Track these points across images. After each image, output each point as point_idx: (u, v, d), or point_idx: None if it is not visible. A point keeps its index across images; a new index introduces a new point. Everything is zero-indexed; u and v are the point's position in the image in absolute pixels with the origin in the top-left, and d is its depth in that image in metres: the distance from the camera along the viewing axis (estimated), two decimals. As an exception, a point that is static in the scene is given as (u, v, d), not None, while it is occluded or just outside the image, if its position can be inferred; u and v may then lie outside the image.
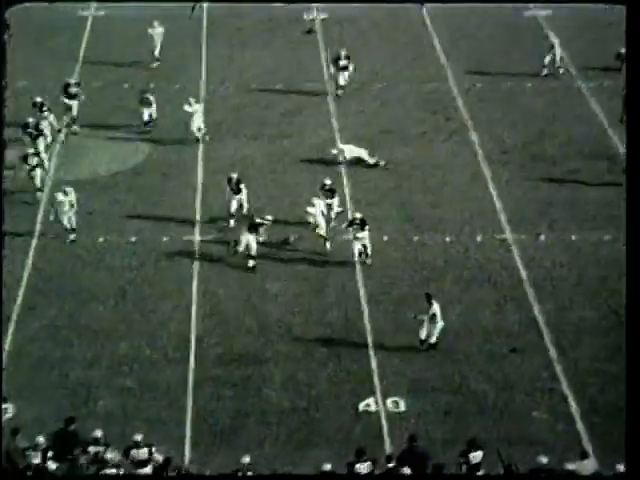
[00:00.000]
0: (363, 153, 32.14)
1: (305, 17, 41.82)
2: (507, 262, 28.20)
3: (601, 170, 31.75)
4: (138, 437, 20.52)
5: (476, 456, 20.55)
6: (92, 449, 20.49)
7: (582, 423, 22.93)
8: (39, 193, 30.37)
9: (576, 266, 28.02)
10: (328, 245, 28.26)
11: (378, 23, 41.36)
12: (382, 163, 32.23)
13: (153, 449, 20.47)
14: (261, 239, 27.87)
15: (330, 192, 29.18)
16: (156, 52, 38.01)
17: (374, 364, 24.69)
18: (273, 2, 41.36)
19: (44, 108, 32.87)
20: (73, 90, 34.15)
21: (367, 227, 27.54)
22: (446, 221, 29.81)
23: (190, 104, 33.17)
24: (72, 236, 28.68)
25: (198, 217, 29.97)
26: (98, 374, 24.35)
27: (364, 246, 27.68)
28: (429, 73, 37.88)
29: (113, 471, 19.97)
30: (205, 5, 41.82)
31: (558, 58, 37.35)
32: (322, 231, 28.27)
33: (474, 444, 20.67)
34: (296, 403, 23.58)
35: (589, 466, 20.32)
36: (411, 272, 27.81)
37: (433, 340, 24.81)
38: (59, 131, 33.56)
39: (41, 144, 31.54)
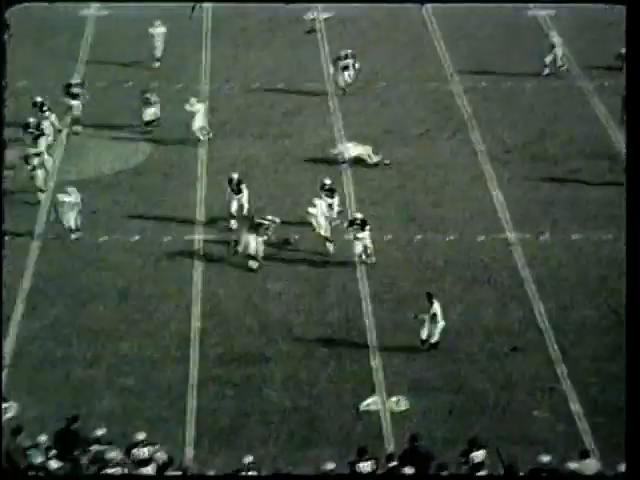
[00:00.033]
0: (366, 151, 32.11)
1: (307, 17, 41.80)
2: (508, 261, 28.20)
3: (602, 169, 31.75)
4: (140, 436, 20.50)
5: (477, 455, 20.51)
6: (94, 448, 20.49)
7: (583, 422, 22.92)
8: (40, 193, 30.33)
9: (577, 265, 28.03)
10: (331, 247, 28.17)
11: (379, 23, 41.33)
12: (386, 162, 32.22)
13: (155, 448, 20.46)
14: (265, 237, 27.80)
15: (330, 192, 29.12)
16: (158, 52, 37.97)
17: (375, 363, 24.69)
18: (273, 2, 41.30)
19: (44, 108, 32.86)
20: (75, 90, 34.14)
21: (367, 227, 27.50)
22: (448, 220, 29.82)
23: (191, 104, 33.15)
24: (76, 235, 28.66)
25: (200, 217, 29.97)
26: (99, 373, 24.36)
27: (365, 246, 27.65)
28: (430, 73, 37.87)
29: (115, 470, 19.96)
30: (209, 5, 41.74)
31: (559, 57, 37.33)
32: (323, 232, 28.20)
33: (475, 443, 20.63)
34: (297, 402, 23.58)
35: (591, 465, 20.27)
36: (413, 271, 27.82)
37: (434, 340, 24.81)
38: (60, 131, 33.53)
39: (42, 144, 31.54)
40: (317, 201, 28.48)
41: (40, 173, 30.34)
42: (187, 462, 21.48)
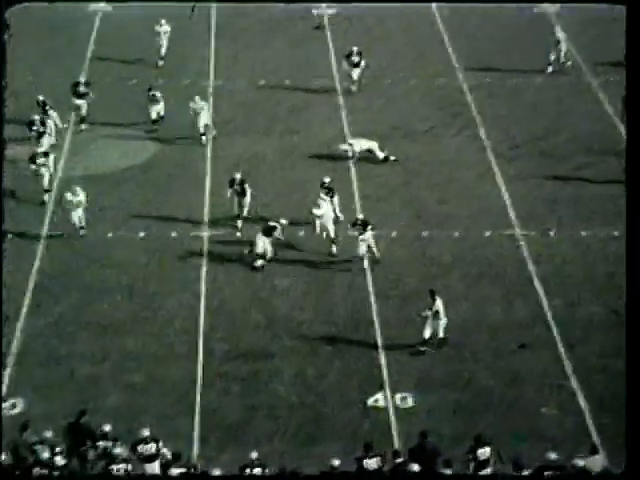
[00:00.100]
0: (374, 146, 32.08)
1: (314, 12, 41.75)
2: (515, 258, 28.16)
3: (610, 166, 31.66)
4: (145, 432, 20.54)
5: (484, 452, 20.50)
6: (101, 444, 20.50)
7: (591, 419, 22.89)
8: (45, 194, 30.24)
9: (584, 262, 27.98)
10: (334, 248, 28.05)
11: (386, 19, 41.27)
12: (392, 158, 32.19)
13: (160, 444, 20.47)
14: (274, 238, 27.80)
15: (329, 190, 28.92)
16: (162, 50, 37.93)
17: (382, 360, 24.67)
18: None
19: (47, 107, 32.82)
20: (82, 89, 34.12)
21: (370, 227, 27.33)
22: (453, 217, 29.77)
23: (195, 102, 33.08)
24: (82, 232, 28.66)
25: (206, 213, 29.95)
26: (106, 370, 24.37)
27: (369, 247, 27.51)
28: (436, 69, 37.81)
29: (121, 466, 19.97)
30: (213, 3, 41.73)
31: (563, 54, 37.26)
32: (325, 235, 28.03)
33: (481, 440, 20.62)
34: (304, 398, 23.57)
35: (598, 462, 20.25)
36: (418, 268, 27.78)
37: (441, 335, 24.74)
38: (64, 129, 33.40)
39: (45, 143, 31.50)
40: (321, 202, 28.37)
41: (45, 172, 30.25)
42: (193, 458, 21.48)
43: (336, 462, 19.96)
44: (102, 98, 34.51)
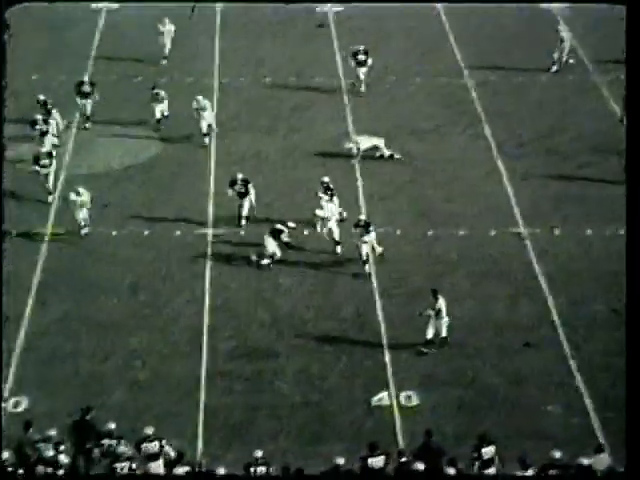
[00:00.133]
0: (380, 142, 32.03)
1: (317, 10, 41.70)
2: (521, 256, 28.11)
3: (615, 164, 31.55)
4: (149, 430, 20.53)
5: (488, 451, 20.46)
6: (105, 442, 20.49)
7: (596, 417, 22.84)
8: (49, 195, 30.17)
9: (590, 260, 27.93)
10: (339, 249, 27.94)
11: (391, 17, 41.20)
12: (397, 156, 32.13)
13: (164, 442, 20.46)
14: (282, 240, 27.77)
15: (329, 190, 28.76)
16: (166, 50, 37.86)
17: (386, 358, 24.63)
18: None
19: (49, 106, 32.77)
20: (86, 89, 34.08)
21: (372, 228, 27.17)
22: (459, 215, 29.72)
23: (198, 101, 32.97)
24: (84, 231, 28.59)
25: (210, 211, 29.92)
26: (110, 368, 24.36)
27: (372, 248, 27.32)
28: (441, 67, 37.75)
29: (125, 464, 19.95)
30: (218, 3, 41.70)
31: (566, 51, 37.18)
32: (328, 236, 27.94)
33: (485, 439, 20.59)
34: (308, 397, 23.54)
35: (603, 461, 20.21)
36: (424, 266, 27.73)
37: (443, 335, 24.68)
38: (67, 127, 33.32)
39: (48, 142, 31.45)
40: (324, 203, 28.28)
41: (49, 172, 30.16)
42: (197, 456, 21.46)
43: (340, 461, 19.93)
44: (106, 96, 34.46)
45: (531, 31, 39.93)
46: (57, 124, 32.78)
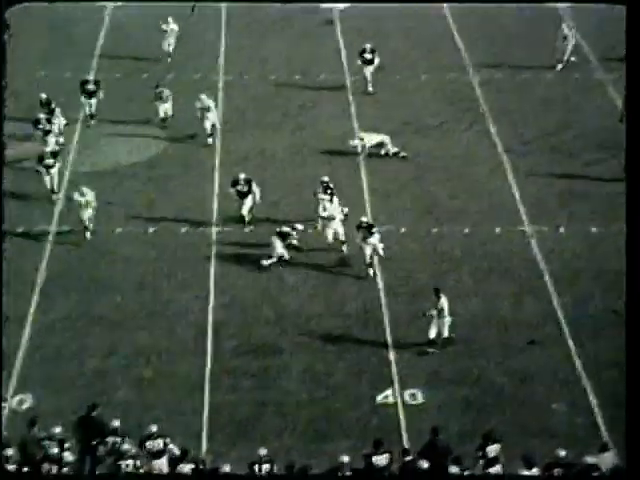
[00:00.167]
0: (386, 139, 32.00)
1: (323, 7, 41.63)
2: (526, 254, 28.08)
3: (620, 162, 31.45)
4: (153, 428, 20.54)
5: (493, 449, 20.43)
6: (110, 439, 20.51)
7: (601, 416, 22.81)
8: (53, 194, 30.17)
9: (595, 258, 27.88)
10: (344, 248, 27.92)
11: (396, 14, 41.12)
12: (402, 154, 32.10)
13: (168, 440, 20.46)
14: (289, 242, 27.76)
15: (328, 189, 28.71)
16: (170, 49, 37.78)
17: (391, 356, 24.62)
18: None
19: (52, 105, 32.76)
20: (91, 87, 34.05)
21: (375, 230, 27.01)
22: (465, 212, 29.69)
23: (201, 100, 32.90)
24: (88, 234, 28.52)
25: (215, 209, 29.91)
26: (114, 365, 24.37)
27: (375, 251, 27.18)
28: (446, 64, 37.70)
29: (129, 462, 19.96)
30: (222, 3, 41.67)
31: (569, 49, 37.11)
32: (330, 238, 27.88)
33: (490, 437, 20.57)
34: (314, 394, 23.54)
35: (609, 459, 20.18)
36: (429, 264, 27.71)
37: (445, 335, 24.63)
38: (67, 125, 33.29)
39: (52, 142, 31.44)
40: (326, 204, 28.23)
41: (54, 172, 30.11)
42: (202, 454, 21.47)
43: (345, 458, 19.92)
44: (111, 94, 34.45)
45: (536, 29, 39.83)
46: (60, 123, 32.73)
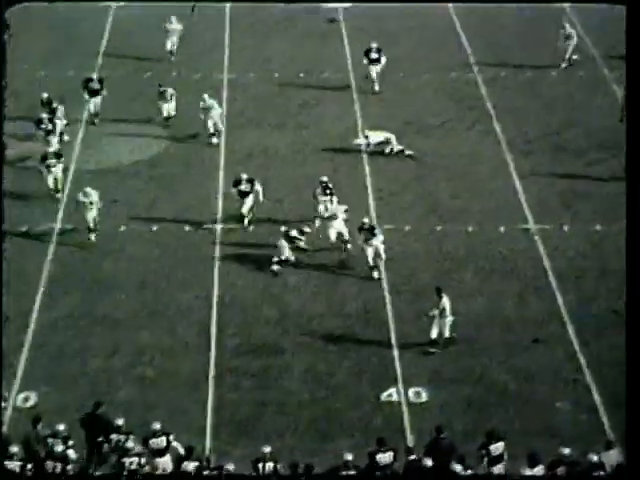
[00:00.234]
0: (392, 137, 31.95)
1: (327, 6, 41.61)
2: (530, 253, 28.02)
3: (623, 161, 31.41)
4: (156, 426, 20.54)
5: (497, 448, 20.40)
6: (113, 437, 20.50)
7: (605, 414, 22.77)
8: (56, 194, 30.13)
9: (600, 257, 27.83)
10: (349, 246, 27.84)
11: (400, 13, 41.10)
12: (407, 152, 32.05)
13: (171, 438, 20.45)
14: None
15: (327, 189, 28.58)
16: (174, 48, 37.76)
17: (395, 355, 24.58)
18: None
19: (53, 105, 32.73)
20: (95, 85, 34.02)
21: (377, 232, 26.85)
22: (468, 211, 29.65)
23: (204, 100, 32.84)
24: (93, 236, 28.43)
25: (219, 207, 29.89)
26: (118, 363, 24.35)
27: (377, 253, 27.04)
28: (450, 63, 37.66)
29: (133, 460, 19.95)
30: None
31: (571, 48, 37.05)
32: (342, 235, 27.82)
33: (494, 435, 20.53)
34: (316, 394, 23.50)
35: (613, 457, 20.13)
36: (432, 263, 27.66)
37: (447, 335, 24.56)
38: (67, 125, 33.25)
39: (54, 141, 31.41)
40: (327, 204, 28.17)
41: (56, 172, 30.07)
42: (205, 452, 21.45)
43: (349, 457, 19.88)
44: (114, 93, 34.44)
45: (541, 27, 39.77)
46: (61, 123, 32.70)
